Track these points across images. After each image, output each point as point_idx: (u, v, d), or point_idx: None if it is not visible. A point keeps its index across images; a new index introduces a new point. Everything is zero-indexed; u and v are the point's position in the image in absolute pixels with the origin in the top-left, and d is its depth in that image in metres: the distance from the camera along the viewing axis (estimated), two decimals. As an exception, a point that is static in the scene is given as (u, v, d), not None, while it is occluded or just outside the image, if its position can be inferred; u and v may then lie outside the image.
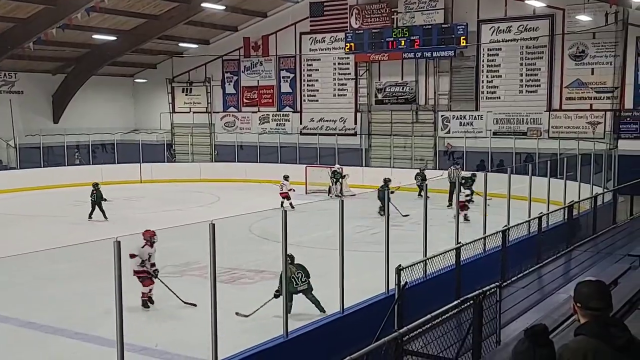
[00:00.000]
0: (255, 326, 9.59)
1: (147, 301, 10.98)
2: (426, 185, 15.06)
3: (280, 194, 21.72)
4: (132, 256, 10.67)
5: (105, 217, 20.11)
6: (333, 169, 25.69)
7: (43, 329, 10.06)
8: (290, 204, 20.66)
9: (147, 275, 10.90)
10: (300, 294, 10.09)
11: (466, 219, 16.81)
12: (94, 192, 20.42)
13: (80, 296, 11.81)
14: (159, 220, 18.00)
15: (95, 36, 28.48)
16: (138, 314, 10.39)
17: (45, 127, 31.13)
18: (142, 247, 10.88)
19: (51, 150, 30.07)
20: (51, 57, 30.13)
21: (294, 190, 22.03)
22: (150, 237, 10.93)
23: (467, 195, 18.75)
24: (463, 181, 18.53)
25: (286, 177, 22.14)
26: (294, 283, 9.93)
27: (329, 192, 25.07)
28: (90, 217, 20.30)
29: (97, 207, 20.25)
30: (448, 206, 19.58)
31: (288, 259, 9.76)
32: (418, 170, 24.49)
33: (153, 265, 11.03)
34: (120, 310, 6.24)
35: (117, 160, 31.41)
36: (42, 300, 11.56)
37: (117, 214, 21.15)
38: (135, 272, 10.80)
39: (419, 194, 21.68)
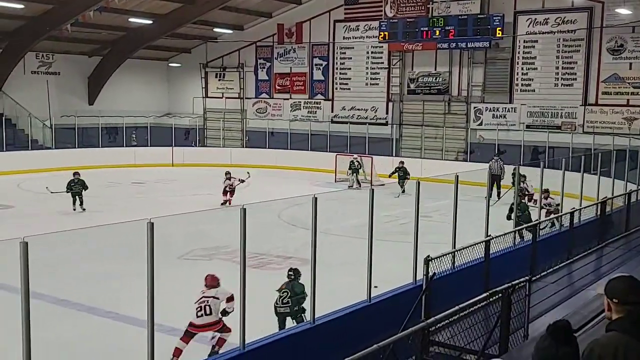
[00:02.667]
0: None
1: None
2: (417, 180, 15.04)
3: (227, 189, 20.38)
4: None
5: (83, 208, 18.79)
6: (351, 160, 25.67)
7: (75, 306, 10.28)
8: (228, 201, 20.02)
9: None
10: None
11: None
12: (76, 182, 18.96)
13: (112, 276, 12.03)
14: (189, 203, 18.26)
15: (132, 19, 28.77)
16: (168, 295, 10.53)
17: (81, 108, 31.62)
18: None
19: (85, 132, 30.53)
20: (88, 39, 30.53)
21: (241, 181, 20.56)
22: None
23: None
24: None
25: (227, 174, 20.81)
26: (275, 302, 9.11)
27: (350, 182, 25.05)
28: (75, 208, 18.82)
29: (77, 197, 18.82)
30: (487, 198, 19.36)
31: (291, 273, 9.31)
32: (399, 165, 23.79)
33: None
34: (151, 290, 6.35)
35: (150, 143, 31.78)
36: (75, 278, 11.81)
37: (148, 196, 21.46)
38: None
39: (402, 191, 21.82)
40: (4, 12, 25.59)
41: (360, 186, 24.63)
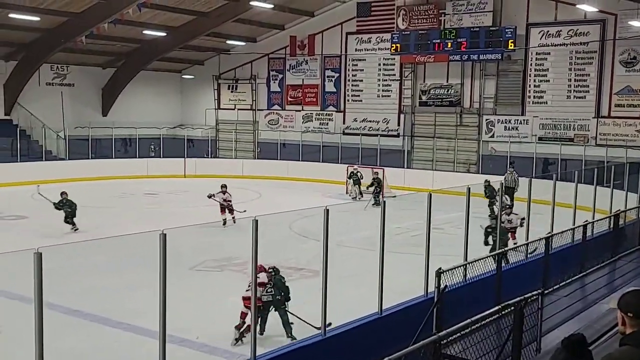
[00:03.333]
0: (295, 323, 9.67)
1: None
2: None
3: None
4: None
5: (75, 229, 17.22)
6: (351, 170, 25.66)
7: (88, 317, 10.32)
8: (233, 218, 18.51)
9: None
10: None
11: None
12: (65, 202, 17.42)
13: (124, 286, 12.09)
14: (201, 214, 18.31)
15: (146, 32, 29.04)
16: (179, 306, 10.57)
17: (94, 119, 31.87)
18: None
19: (99, 143, 30.74)
20: (102, 51, 30.83)
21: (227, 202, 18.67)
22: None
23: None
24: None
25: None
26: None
27: (354, 194, 25.03)
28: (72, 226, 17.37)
29: (69, 217, 17.32)
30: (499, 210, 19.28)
31: (271, 270, 9.69)
32: (374, 176, 23.70)
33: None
34: (163, 301, 6.38)
35: (162, 154, 31.96)
36: (87, 289, 11.87)
37: (160, 207, 21.55)
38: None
39: (375, 203, 21.74)
40: (20, 24, 25.91)
41: (362, 197, 24.65)
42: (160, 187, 26.50)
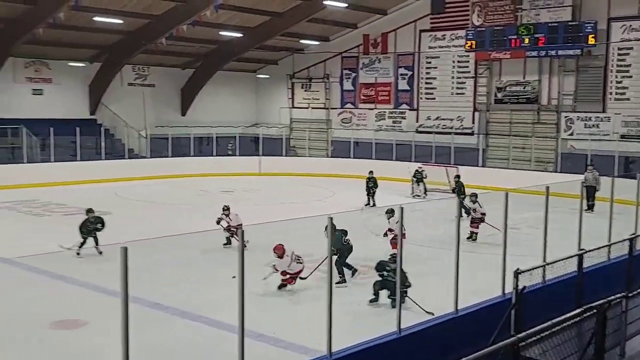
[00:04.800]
0: (370, 321, 9.74)
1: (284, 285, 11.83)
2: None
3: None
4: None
5: (99, 251, 14.25)
6: (415, 169, 25.37)
7: (169, 310, 10.67)
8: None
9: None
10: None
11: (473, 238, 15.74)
12: (92, 221, 14.52)
13: (202, 281, 12.45)
14: (275, 211, 18.60)
15: (223, 33, 29.74)
16: (257, 301, 10.81)
17: (174, 119, 32.91)
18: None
19: (178, 141, 31.66)
20: (181, 52, 31.75)
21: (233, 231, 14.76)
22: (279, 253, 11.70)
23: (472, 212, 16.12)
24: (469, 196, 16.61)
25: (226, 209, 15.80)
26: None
27: (416, 192, 24.80)
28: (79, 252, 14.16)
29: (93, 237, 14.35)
30: (586, 210, 18.81)
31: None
32: (369, 175, 22.90)
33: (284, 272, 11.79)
34: (241, 295, 6.54)
35: (238, 152, 32.61)
36: (168, 283, 12.28)
37: (236, 204, 22.00)
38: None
39: (371, 204, 21.70)
40: (104, 27, 27.02)
41: (427, 195, 24.41)
42: (236, 184, 27.06)
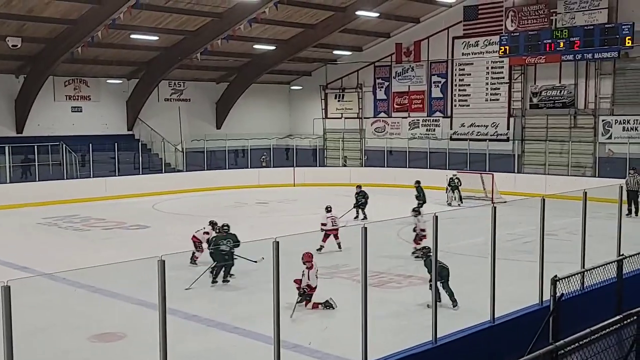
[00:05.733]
0: (405, 330, 9.68)
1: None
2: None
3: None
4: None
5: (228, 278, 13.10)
6: (450, 177, 25.12)
7: (205, 322, 10.78)
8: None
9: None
10: None
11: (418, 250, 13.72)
12: (220, 238, 13.21)
13: (238, 292, 12.54)
14: (310, 222, 18.63)
15: (256, 46, 30.07)
16: (293, 312, 10.84)
17: (209, 132, 33.29)
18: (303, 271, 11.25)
19: (213, 154, 32.01)
20: (216, 66, 32.16)
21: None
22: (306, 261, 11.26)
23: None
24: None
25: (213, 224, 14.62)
26: None
27: (449, 199, 24.61)
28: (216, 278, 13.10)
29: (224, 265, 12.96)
30: (627, 215, 18.48)
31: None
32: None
33: (308, 286, 11.24)
34: (277, 307, 6.58)
35: (272, 164, 32.82)
36: (205, 294, 12.40)
37: (271, 216, 22.13)
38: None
39: (360, 217, 20.91)
40: (140, 44, 27.58)
41: (462, 203, 24.18)
42: (271, 196, 27.22)
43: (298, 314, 10.95)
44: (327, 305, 11.26)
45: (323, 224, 15.98)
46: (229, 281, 13.03)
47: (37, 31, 24.77)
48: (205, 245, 14.20)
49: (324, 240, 15.65)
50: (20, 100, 27.94)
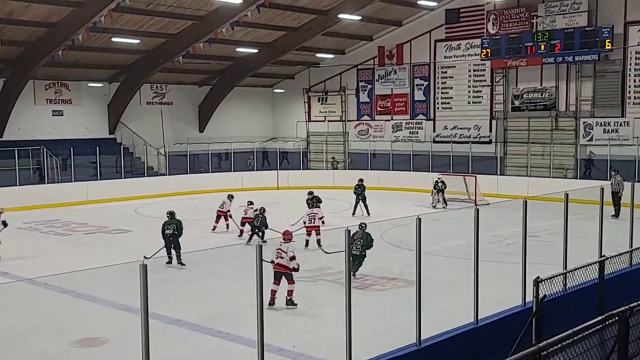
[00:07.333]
0: (389, 333, 9.69)
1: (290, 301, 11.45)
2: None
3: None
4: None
5: (182, 263, 14.72)
6: (435, 179, 25.31)
7: (189, 326, 10.71)
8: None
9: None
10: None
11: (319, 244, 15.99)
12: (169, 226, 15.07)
13: (222, 295, 12.48)
14: (294, 225, 18.57)
15: (239, 49, 29.99)
16: (277, 315, 10.82)
17: (192, 135, 33.14)
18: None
19: (196, 158, 31.86)
20: (198, 69, 32.05)
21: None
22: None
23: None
24: None
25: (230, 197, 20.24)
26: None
27: (434, 202, 24.78)
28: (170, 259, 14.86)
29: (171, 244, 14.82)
30: (613, 216, 18.63)
31: (363, 225, 13.22)
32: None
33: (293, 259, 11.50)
34: (261, 310, 6.55)
35: (256, 167, 32.74)
36: (188, 298, 12.34)
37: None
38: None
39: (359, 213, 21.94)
40: (121, 48, 27.40)
41: (446, 205, 24.33)
42: (255, 199, 27.10)
43: (282, 319, 10.92)
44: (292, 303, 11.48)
45: (304, 222, 16.96)
46: (184, 265, 14.57)
47: (17, 34, 24.53)
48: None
49: (308, 235, 16.69)
50: (0, 104, 27.62)
